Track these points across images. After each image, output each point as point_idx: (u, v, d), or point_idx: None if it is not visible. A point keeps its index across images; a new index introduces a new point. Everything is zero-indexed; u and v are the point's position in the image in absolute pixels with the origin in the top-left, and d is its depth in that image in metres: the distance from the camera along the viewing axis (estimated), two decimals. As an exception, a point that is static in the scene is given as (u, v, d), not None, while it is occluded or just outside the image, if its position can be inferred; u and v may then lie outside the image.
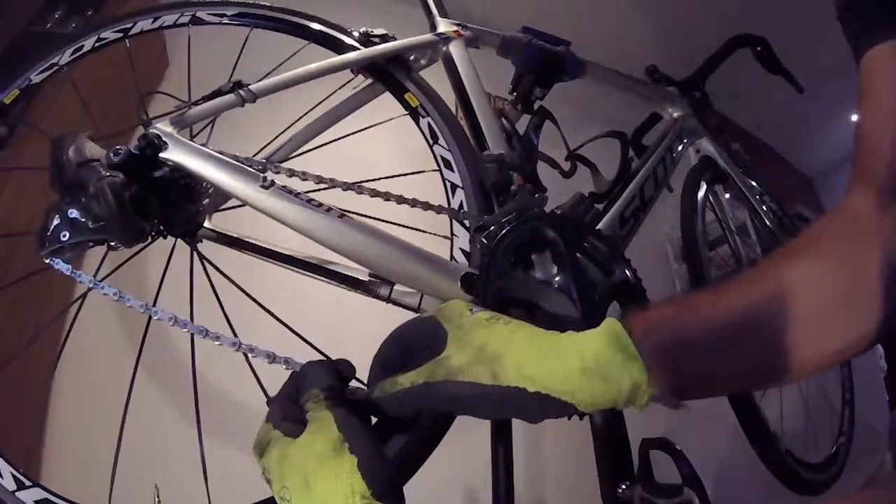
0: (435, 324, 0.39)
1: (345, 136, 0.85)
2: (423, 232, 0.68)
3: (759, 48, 1.10)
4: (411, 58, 0.80)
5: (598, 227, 0.64)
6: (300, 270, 0.68)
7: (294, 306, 0.81)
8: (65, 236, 0.57)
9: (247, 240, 0.72)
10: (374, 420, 0.41)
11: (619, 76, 0.96)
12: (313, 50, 0.82)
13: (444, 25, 0.83)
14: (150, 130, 0.60)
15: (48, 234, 0.57)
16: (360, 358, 0.43)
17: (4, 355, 0.75)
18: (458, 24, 0.84)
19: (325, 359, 0.44)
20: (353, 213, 0.55)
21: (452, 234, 0.62)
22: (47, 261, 0.58)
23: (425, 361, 0.37)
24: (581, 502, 1.29)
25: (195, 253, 0.71)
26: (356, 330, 0.94)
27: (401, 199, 0.57)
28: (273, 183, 0.55)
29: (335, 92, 0.84)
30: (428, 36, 0.82)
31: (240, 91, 0.66)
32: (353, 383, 0.42)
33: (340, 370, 0.41)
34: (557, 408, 0.33)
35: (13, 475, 0.56)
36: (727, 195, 1.11)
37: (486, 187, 0.62)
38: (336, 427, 0.35)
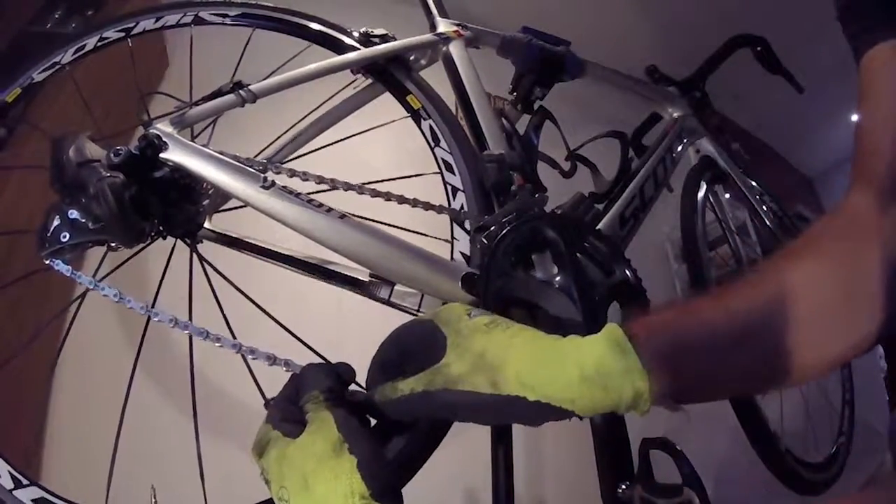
0: (433, 327, 0.39)
1: (347, 138, 0.85)
2: (424, 235, 0.68)
3: (759, 48, 1.10)
4: (411, 58, 0.80)
5: (598, 227, 0.64)
6: (300, 271, 0.68)
7: (294, 307, 0.81)
8: (65, 237, 0.57)
9: (247, 240, 0.72)
10: (373, 422, 0.41)
11: (619, 76, 0.96)
12: (314, 50, 0.82)
13: (444, 25, 0.83)
14: (151, 131, 0.60)
15: (48, 234, 0.57)
16: (359, 360, 0.43)
17: (4, 354, 0.75)
18: (458, 24, 0.84)
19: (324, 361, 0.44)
20: (353, 215, 0.55)
21: (453, 237, 0.61)
22: (47, 261, 0.58)
23: (423, 365, 0.37)
24: (581, 502, 1.29)
25: (195, 254, 0.71)
26: (356, 331, 0.94)
27: (402, 200, 0.57)
28: (273, 183, 0.55)
29: (338, 93, 0.84)
30: (428, 36, 0.82)
31: (240, 91, 0.66)
32: (353, 387, 0.42)
33: (340, 373, 0.41)
34: (557, 414, 0.33)
35: (11, 474, 0.56)
36: (727, 195, 1.11)
37: (487, 187, 0.62)
38: (336, 428, 0.34)
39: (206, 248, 0.72)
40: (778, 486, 0.92)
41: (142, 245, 0.64)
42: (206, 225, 0.73)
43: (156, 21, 0.83)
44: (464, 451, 0.72)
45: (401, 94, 0.75)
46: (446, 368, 0.36)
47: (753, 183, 1.13)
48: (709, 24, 1.74)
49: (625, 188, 0.73)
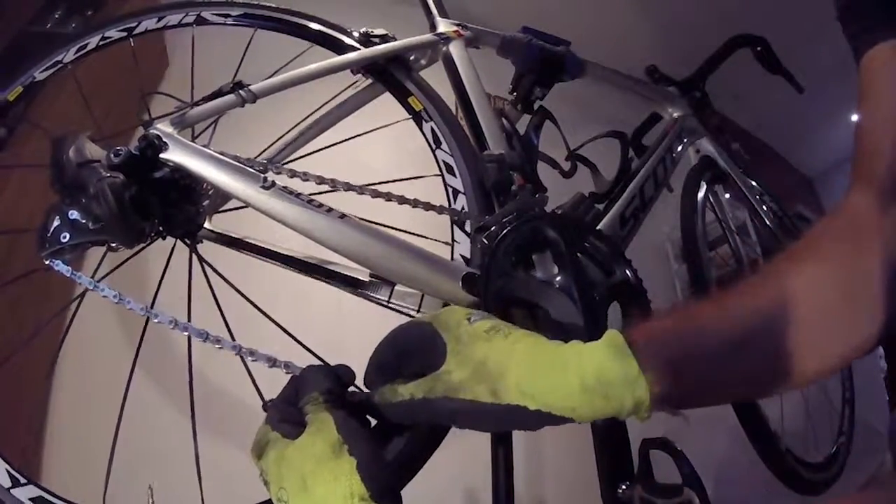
0: (432, 332, 0.39)
1: (348, 139, 0.85)
2: (425, 238, 0.68)
3: (759, 48, 1.10)
4: (411, 58, 0.80)
5: (598, 227, 0.64)
6: (300, 271, 0.68)
7: (294, 307, 0.81)
8: (65, 238, 0.57)
9: (247, 240, 0.72)
10: (373, 422, 0.41)
11: (619, 76, 0.96)
12: (314, 50, 0.82)
13: (444, 25, 0.83)
14: (151, 131, 0.60)
15: (48, 234, 0.57)
16: (359, 361, 0.43)
17: (4, 352, 0.75)
18: (458, 24, 0.84)
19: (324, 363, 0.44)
20: (354, 216, 0.55)
21: (453, 239, 0.61)
22: (47, 262, 0.58)
23: (422, 369, 0.37)
24: (581, 502, 1.29)
25: (194, 255, 0.71)
26: (356, 332, 0.94)
27: (402, 200, 0.57)
28: (274, 184, 0.55)
29: (340, 94, 0.84)
30: (428, 36, 0.82)
31: (240, 91, 0.66)
32: (352, 389, 0.42)
33: (340, 375, 0.41)
34: (558, 422, 0.33)
35: (9, 472, 0.56)
36: (727, 195, 1.11)
37: (487, 187, 0.62)
38: (335, 429, 0.34)
39: (206, 248, 0.72)
40: (778, 486, 0.92)
41: (141, 245, 0.64)
42: (207, 225, 0.73)
43: (158, 21, 0.83)
44: (464, 451, 0.72)
45: (402, 96, 0.75)
46: (447, 376, 0.36)
47: (753, 183, 1.13)
48: (709, 24, 1.74)
49: (625, 188, 0.73)
